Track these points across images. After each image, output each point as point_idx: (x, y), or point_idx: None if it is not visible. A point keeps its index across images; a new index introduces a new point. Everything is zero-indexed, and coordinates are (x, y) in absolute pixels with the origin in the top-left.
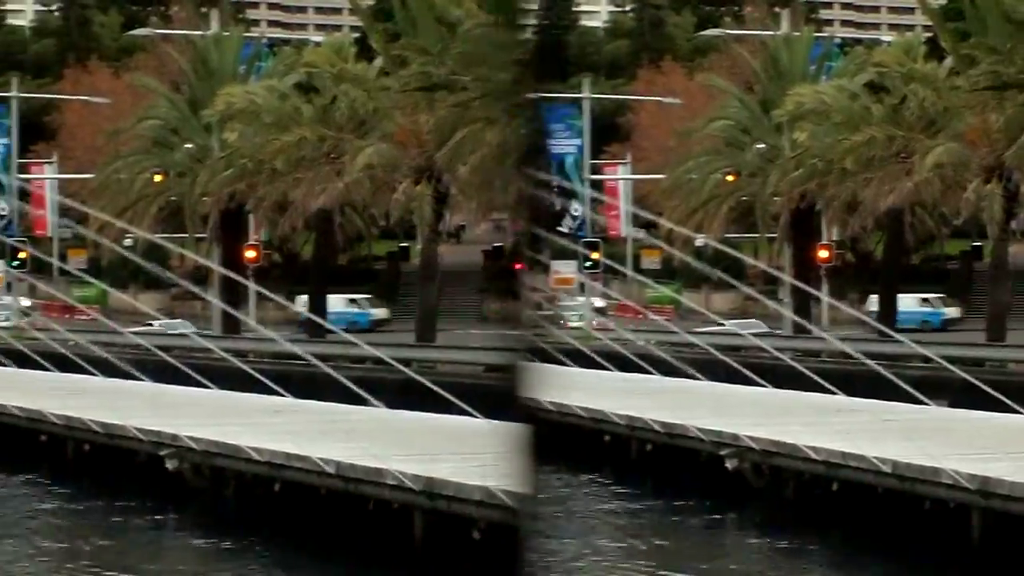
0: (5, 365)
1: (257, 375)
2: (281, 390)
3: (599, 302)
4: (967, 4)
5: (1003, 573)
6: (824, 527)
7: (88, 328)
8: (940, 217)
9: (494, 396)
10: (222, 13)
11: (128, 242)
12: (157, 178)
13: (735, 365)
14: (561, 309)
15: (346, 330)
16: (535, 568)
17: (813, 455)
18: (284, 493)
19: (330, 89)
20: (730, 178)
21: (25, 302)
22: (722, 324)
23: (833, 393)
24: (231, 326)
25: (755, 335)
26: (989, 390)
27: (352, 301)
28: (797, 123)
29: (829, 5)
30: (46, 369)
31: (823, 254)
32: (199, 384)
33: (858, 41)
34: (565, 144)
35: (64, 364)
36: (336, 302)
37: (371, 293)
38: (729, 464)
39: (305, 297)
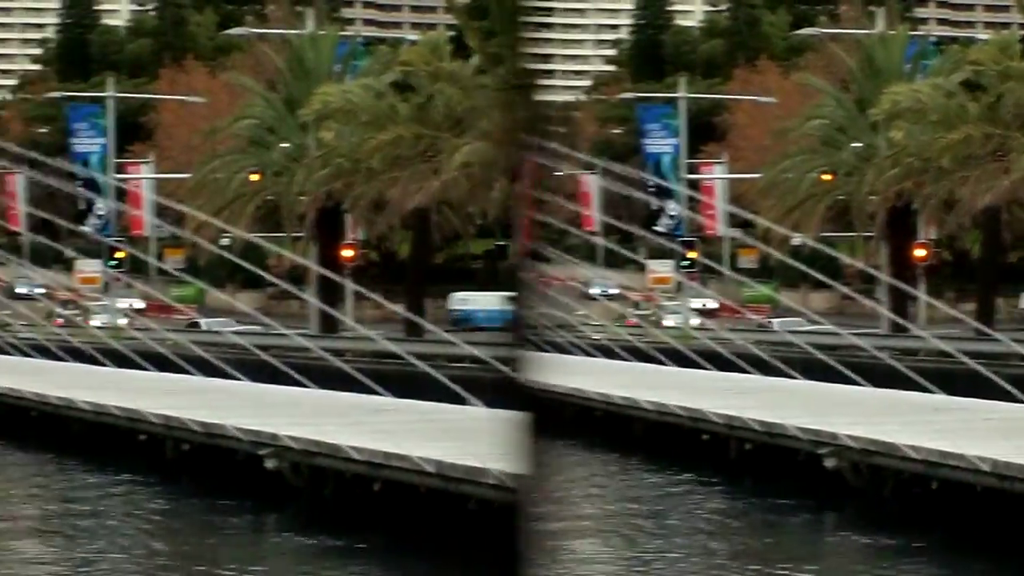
0: (104, 365)
1: (355, 374)
2: (380, 389)
3: (711, 303)
4: None
5: None
6: (923, 526)
7: (186, 327)
8: None
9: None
10: (318, 12)
11: (225, 241)
12: (254, 177)
13: (833, 364)
14: (661, 309)
15: (503, 328)
16: (537, 550)
17: (912, 454)
18: (384, 492)
19: (426, 87)
20: (826, 177)
21: (137, 303)
22: (769, 322)
23: (932, 392)
24: (329, 325)
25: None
26: None
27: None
28: (893, 122)
29: (925, 3)
30: (145, 369)
31: (920, 253)
32: (297, 383)
33: (954, 39)
34: (661, 143)
35: (163, 363)
36: (492, 300)
37: (469, 292)
38: (828, 463)
39: (460, 294)
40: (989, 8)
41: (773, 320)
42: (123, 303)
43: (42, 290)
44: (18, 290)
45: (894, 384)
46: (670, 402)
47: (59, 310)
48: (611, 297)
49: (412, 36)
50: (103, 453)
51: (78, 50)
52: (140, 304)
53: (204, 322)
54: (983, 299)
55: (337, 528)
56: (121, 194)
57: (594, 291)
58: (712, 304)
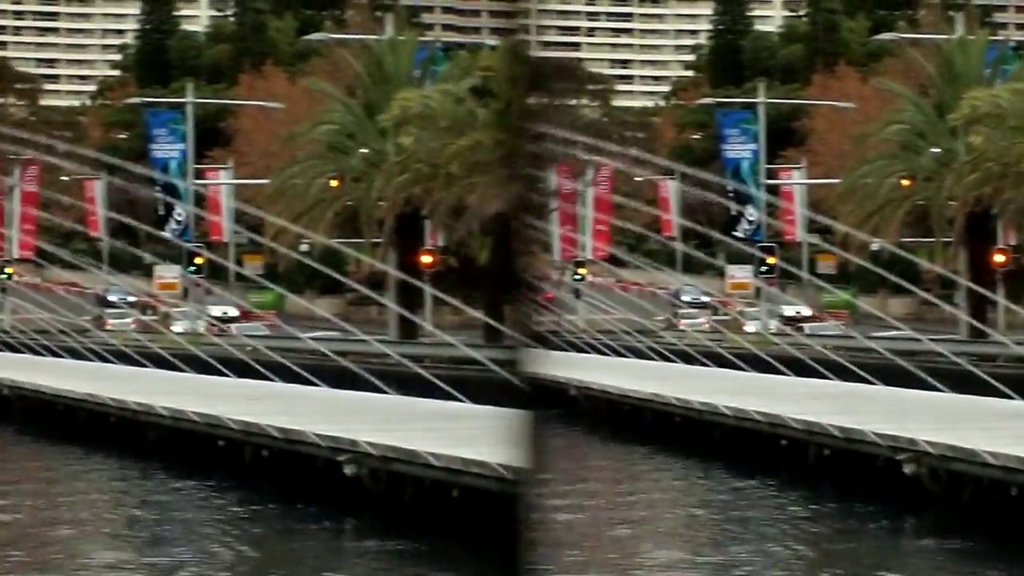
0: (183, 370)
1: (434, 380)
2: (459, 395)
3: (804, 310)
4: None
5: None
6: (1002, 533)
7: (265, 333)
8: None
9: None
10: (397, 17)
11: (304, 247)
12: (333, 183)
13: (912, 369)
14: (741, 315)
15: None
16: (536, 533)
17: (991, 460)
18: (462, 499)
19: (505, 92)
20: (905, 182)
21: (231, 311)
22: (802, 327)
23: (1011, 398)
24: (408, 331)
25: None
26: None
27: None
28: (972, 127)
29: (1004, 8)
30: (224, 375)
31: (999, 258)
32: (376, 389)
33: None
34: (741, 149)
35: (242, 369)
36: None
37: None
38: (906, 469)
39: None
40: None
41: (805, 325)
42: (216, 311)
43: (133, 298)
44: (110, 298)
45: (973, 390)
46: (749, 408)
47: (108, 311)
48: (702, 305)
49: (491, 41)
50: (182, 459)
51: (157, 56)
52: (233, 312)
53: (235, 328)
54: None
55: (416, 534)
56: (200, 200)
57: (684, 298)
58: (805, 311)
